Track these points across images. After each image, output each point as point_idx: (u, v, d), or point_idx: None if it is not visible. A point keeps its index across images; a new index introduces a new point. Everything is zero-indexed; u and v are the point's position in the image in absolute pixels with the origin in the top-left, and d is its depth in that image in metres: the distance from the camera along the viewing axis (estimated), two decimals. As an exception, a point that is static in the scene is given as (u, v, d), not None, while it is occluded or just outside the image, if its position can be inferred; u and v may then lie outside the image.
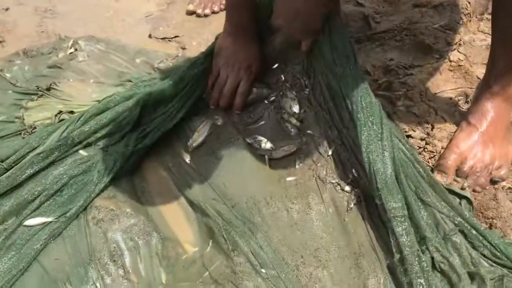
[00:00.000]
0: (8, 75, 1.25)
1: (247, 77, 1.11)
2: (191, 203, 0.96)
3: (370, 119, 0.89)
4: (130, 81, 1.19)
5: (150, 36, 1.40)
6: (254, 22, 1.13)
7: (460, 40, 1.25)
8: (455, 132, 1.00)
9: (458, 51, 1.22)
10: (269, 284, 0.81)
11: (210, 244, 0.89)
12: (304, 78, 1.08)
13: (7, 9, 1.52)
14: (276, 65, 1.14)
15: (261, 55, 1.13)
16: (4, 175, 0.95)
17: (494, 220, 0.90)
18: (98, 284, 0.83)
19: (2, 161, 0.96)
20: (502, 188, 0.93)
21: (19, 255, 0.86)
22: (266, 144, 1.05)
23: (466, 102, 1.11)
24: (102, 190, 0.96)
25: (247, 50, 1.12)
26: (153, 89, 1.06)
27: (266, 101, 1.12)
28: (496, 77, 0.93)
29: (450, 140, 0.98)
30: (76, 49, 1.31)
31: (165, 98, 1.06)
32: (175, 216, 0.95)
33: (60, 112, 1.11)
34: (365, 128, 0.88)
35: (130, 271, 0.86)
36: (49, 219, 0.90)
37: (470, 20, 1.33)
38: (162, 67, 1.26)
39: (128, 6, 1.53)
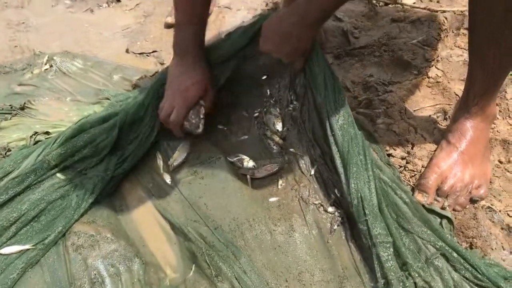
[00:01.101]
0: (-21, 92, 1.21)
1: (182, 103, 1.01)
2: (172, 226, 0.95)
3: (356, 149, 0.89)
4: (108, 99, 1.16)
5: (127, 51, 1.38)
6: (199, 45, 1.05)
7: (438, 56, 1.27)
8: (435, 150, 1.01)
9: (436, 67, 1.24)
10: (254, 310, 0.80)
11: (193, 268, 0.88)
12: (290, 93, 1.07)
13: (-22, 22, 1.48)
14: (264, 77, 1.12)
15: (206, 78, 1.04)
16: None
17: (475, 239, 0.91)
18: (77, 314, 0.81)
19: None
20: (482, 207, 0.94)
21: (-6, 287, 0.83)
22: (249, 163, 1.04)
23: (445, 119, 1.12)
24: (81, 215, 0.94)
25: (188, 74, 1.03)
26: (129, 109, 1.04)
27: (245, 113, 1.12)
28: (474, 97, 0.94)
29: (431, 159, 0.99)
30: (51, 66, 1.27)
31: (141, 117, 1.05)
32: (157, 240, 0.93)
33: (36, 133, 1.08)
34: (351, 157, 0.88)
35: (112, 300, 0.84)
36: (26, 247, 0.88)
37: (447, 36, 1.34)
38: (140, 84, 1.23)
39: (105, 19, 1.50)
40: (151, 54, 1.37)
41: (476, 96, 0.95)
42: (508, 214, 0.94)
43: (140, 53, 1.37)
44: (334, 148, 0.91)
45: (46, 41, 1.40)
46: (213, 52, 1.07)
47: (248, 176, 1.01)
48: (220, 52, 1.07)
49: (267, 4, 1.52)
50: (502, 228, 0.92)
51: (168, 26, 1.45)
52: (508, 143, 1.04)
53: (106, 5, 1.56)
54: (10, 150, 1.03)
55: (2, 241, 0.88)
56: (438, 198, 0.95)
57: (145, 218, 0.97)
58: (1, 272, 0.84)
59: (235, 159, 1.05)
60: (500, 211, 0.94)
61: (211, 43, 1.09)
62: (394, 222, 0.86)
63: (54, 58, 1.29)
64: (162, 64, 1.34)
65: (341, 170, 0.89)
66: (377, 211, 0.85)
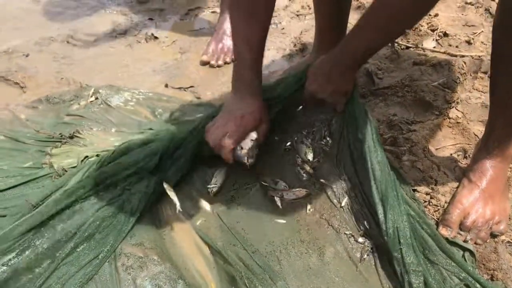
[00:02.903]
0: (31, 121, 1.31)
1: (235, 128, 1.05)
2: (212, 250, 1.02)
3: (391, 185, 0.97)
4: (151, 129, 1.25)
5: (166, 85, 1.47)
6: (257, 77, 1.10)
7: (458, 98, 1.35)
8: (457, 187, 1.08)
9: (456, 109, 1.32)
10: (290, 331, 0.86)
11: (232, 290, 0.95)
12: (325, 129, 1.15)
13: (27, 55, 1.59)
14: (300, 108, 1.18)
15: (262, 111, 1.10)
16: (33, 212, 1.00)
17: (495, 272, 0.97)
18: (128, 330, 0.88)
19: (34, 206, 1.01)
20: (502, 241, 1.01)
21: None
22: (279, 184, 1.12)
23: (465, 157, 1.20)
24: (130, 230, 1.02)
25: (245, 102, 1.08)
26: (174, 136, 1.13)
27: (277, 138, 1.19)
28: (494, 141, 1.02)
29: (453, 196, 1.06)
30: (96, 98, 1.37)
31: (185, 144, 1.13)
32: (198, 263, 1.00)
33: (86, 157, 1.16)
34: (388, 192, 0.97)
35: (158, 317, 0.91)
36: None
37: (466, 79, 1.43)
38: (179, 116, 1.32)
39: (144, 55, 1.61)
40: (188, 89, 1.46)
41: (496, 140, 1.03)
42: (527, 249, 1.00)
43: (178, 88, 1.47)
44: (372, 181, 0.99)
45: (90, 75, 1.50)
46: (266, 94, 1.15)
47: (276, 198, 1.10)
48: (273, 95, 1.15)
49: (295, 45, 1.62)
50: (522, 262, 0.98)
51: (203, 63, 1.55)
52: (526, 182, 1.11)
53: (145, 41, 1.67)
54: (67, 171, 1.12)
55: (61, 257, 0.95)
56: (461, 232, 1.02)
57: (187, 242, 1.04)
58: (61, 286, 0.91)
59: (269, 181, 1.13)
60: (520, 245, 1.01)
61: (263, 85, 1.15)
62: (421, 253, 0.93)
63: (100, 91, 1.39)
64: (198, 98, 1.43)
65: (378, 202, 0.97)
66: (410, 242, 0.92)
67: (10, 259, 0.93)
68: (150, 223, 1.06)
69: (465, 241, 1.01)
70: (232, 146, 1.05)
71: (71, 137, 1.24)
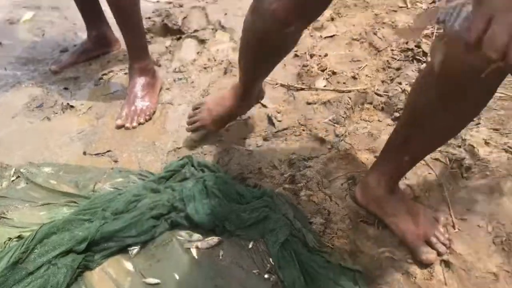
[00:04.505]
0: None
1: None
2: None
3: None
4: (75, 202, 1.35)
5: (84, 153, 1.57)
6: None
7: (346, 131, 1.54)
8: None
9: (345, 141, 1.51)
10: None
11: None
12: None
13: None
14: None
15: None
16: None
17: (382, 286, 1.14)
18: None
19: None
20: (386, 257, 1.18)
21: None
22: (193, 236, 1.26)
23: (354, 184, 1.38)
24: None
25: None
26: (103, 228, 1.24)
27: None
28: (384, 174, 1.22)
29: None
30: (18, 176, 1.45)
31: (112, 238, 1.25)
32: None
33: (10, 238, 1.24)
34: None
35: None
36: None
37: (353, 112, 1.63)
38: (100, 186, 1.42)
39: (62, 126, 1.70)
40: (106, 153, 1.57)
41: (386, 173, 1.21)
42: (406, 261, 1.18)
43: (95, 154, 1.57)
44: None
45: (10, 153, 1.57)
46: None
47: (191, 249, 1.23)
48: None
49: (203, 96, 1.77)
50: (402, 274, 1.16)
51: (118, 127, 1.66)
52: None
53: (61, 111, 1.76)
54: (-10, 258, 1.19)
55: None
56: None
57: (114, 304, 1.14)
58: None
59: (184, 234, 1.26)
60: (400, 259, 1.18)
61: None
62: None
63: (21, 170, 1.46)
64: (116, 161, 1.54)
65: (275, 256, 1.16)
66: (304, 285, 1.09)
67: None
68: (77, 289, 1.16)
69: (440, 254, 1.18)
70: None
71: (-3, 220, 1.31)
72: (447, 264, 1.16)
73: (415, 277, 1.14)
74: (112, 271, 1.21)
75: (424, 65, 1.77)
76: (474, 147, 1.41)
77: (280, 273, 1.14)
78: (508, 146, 1.39)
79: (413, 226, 1.19)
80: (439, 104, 0.96)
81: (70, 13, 2.27)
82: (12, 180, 1.45)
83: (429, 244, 1.17)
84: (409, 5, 2.20)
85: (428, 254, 1.15)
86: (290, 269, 1.14)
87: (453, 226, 1.24)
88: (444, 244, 1.17)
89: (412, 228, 1.19)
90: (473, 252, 1.18)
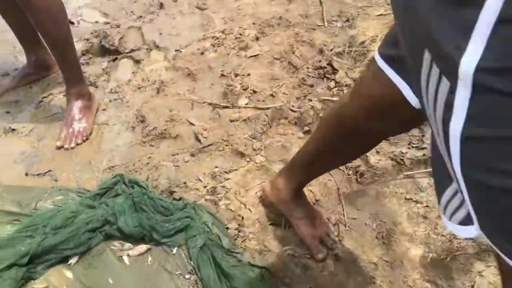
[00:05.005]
0: None
1: None
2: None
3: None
4: (18, 220, 1.51)
5: (26, 174, 1.72)
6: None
7: (262, 146, 1.76)
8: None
9: (261, 155, 1.73)
10: None
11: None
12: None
13: None
14: None
15: None
16: None
17: (285, 279, 1.36)
18: None
19: None
20: (288, 254, 1.41)
21: None
22: (125, 245, 1.45)
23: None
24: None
25: None
26: (44, 243, 1.40)
27: None
28: None
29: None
30: (-37, 199, 1.59)
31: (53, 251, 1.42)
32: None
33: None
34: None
35: None
36: None
37: (270, 127, 1.85)
38: (42, 204, 1.58)
39: (3, 148, 1.83)
40: (47, 173, 1.72)
41: None
42: (305, 257, 1.41)
43: (37, 174, 1.72)
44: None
45: (-46, 176, 1.70)
46: None
47: (123, 257, 1.42)
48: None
49: (137, 117, 1.95)
50: (301, 268, 1.39)
51: (58, 148, 1.82)
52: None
53: (4, 134, 1.89)
54: None
55: None
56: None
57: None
58: None
59: (117, 244, 1.45)
60: (300, 255, 1.41)
61: None
62: (227, 284, 1.32)
63: (-35, 194, 1.61)
64: (56, 180, 1.69)
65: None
66: (217, 281, 1.31)
67: None
68: (21, 299, 1.33)
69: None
70: None
71: None
72: (337, 257, 1.40)
73: (311, 271, 1.38)
74: (54, 279, 1.39)
75: (333, 83, 2.02)
76: (367, 156, 1.66)
77: (199, 273, 1.35)
78: (394, 155, 1.66)
79: (312, 228, 1.42)
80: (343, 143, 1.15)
81: (9, 36, 2.38)
82: (-42, 204, 1.59)
83: (323, 242, 1.41)
84: (326, 24, 2.45)
85: (320, 254, 1.39)
86: (207, 269, 1.35)
87: (345, 225, 1.48)
88: (334, 242, 1.41)
89: (310, 231, 1.42)
90: (359, 246, 1.43)
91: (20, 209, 1.58)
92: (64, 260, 1.43)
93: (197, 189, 1.62)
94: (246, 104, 1.96)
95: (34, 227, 1.47)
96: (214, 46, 2.33)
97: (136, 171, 1.70)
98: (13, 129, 1.91)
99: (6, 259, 1.36)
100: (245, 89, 2.02)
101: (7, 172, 1.73)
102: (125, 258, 1.42)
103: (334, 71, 2.09)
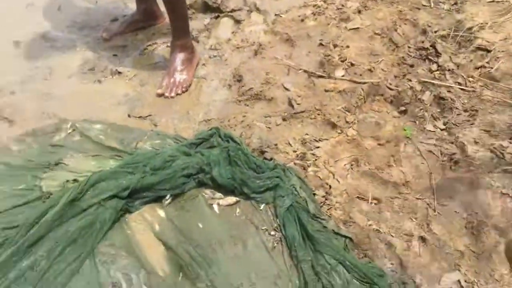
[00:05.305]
0: (21, 152, 1.65)
1: None
2: (166, 246, 1.40)
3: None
4: (119, 156, 1.62)
5: (129, 115, 1.83)
6: None
7: (355, 119, 1.76)
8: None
9: (353, 128, 1.73)
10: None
11: (181, 275, 1.33)
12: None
13: (13, 93, 1.92)
14: None
15: None
16: (33, 228, 1.36)
17: (367, 251, 1.38)
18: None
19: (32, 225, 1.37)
20: (373, 229, 1.42)
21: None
22: (216, 194, 1.52)
23: (357, 165, 1.61)
24: (104, 236, 1.39)
25: None
26: (143, 181, 1.50)
27: None
28: None
29: None
30: (74, 130, 1.72)
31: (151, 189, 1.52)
32: (155, 256, 1.38)
33: (67, 180, 1.53)
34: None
35: (127, 298, 1.29)
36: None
37: (364, 102, 1.84)
38: (141, 145, 1.69)
39: (110, 88, 1.96)
40: (147, 117, 1.83)
41: None
42: (390, 234, 1.42)
43: (138, 117, 1.83)
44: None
45: (67, 109, 1.83)
46: None
47: (214, 205, 1.49)
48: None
49: (234, 76, 2.00)
50: (385, 244, 1.40)
51: (159, 95, 1.92)
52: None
53: (111, 76, 2.02)
54: (52, 194, 1.48)
55: (55, 255, 1.32)
56: None
57: (147, 241, 1.42)
58: (54, 279, 1.28)
59: (208, 192, 1.53)
60: (385, 232, 1.42)
61: None
62: (310, 246, 1.35)
63: (76, 124, 1.74)
64: (155, 125, 1.79)
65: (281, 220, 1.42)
66: (301, 242, 1.36)
67: (22, 264, 1.30)
68: (119, 229, 1.44)
69: None
70: None
71: (56, 164, 1.59)
72: (423, 240, 1.40)
73: (395, 248, 1.38)
74: (147, 215, 1.49)
75: (435, 65, 1.96)
76: (464, 145, 1.62)
77: (284, 231, 1.40)
78: (494, 147, 1.60)
79: None
80: None
81: (120, -17, 2.50)
82: (69, 133, 1.73)
83: None
84: (432, 5, 2.36)
85: None
86: (293, 229, 1.39)
87: (434, 209, 1.47)
88: None
89: None
90: (447, 232, 1.42)
91: (122, 146, 1.69)
92: (158, 199, 1.53)
93: (287, 152, 1.66)
94: (343, 76, 1.95)
95: (135, 165, 1.57)
96: (314, 14, 2.32)
97: (231, 127, 1.75)
98: (119, 72, 2.03)
99: (109, 190, 1.47)
100: (342, 61, 2.00)
101: (112, 111, 1.85)
102: (215, 207, 1.50)
103: (437, 54, 2.02)
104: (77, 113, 1.82)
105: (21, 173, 1.59)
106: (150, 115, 1.84)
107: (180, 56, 1.98)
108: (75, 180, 1.54)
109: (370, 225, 1.44)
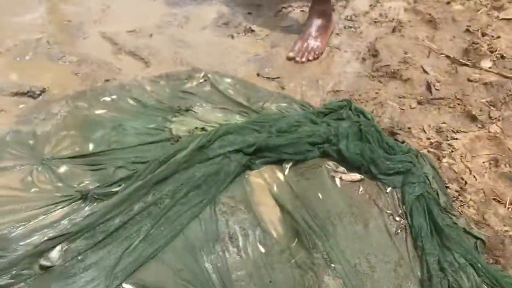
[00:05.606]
0: (154, 93, 1.70)
1: None
2: (283, 209, 1.38)
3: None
4: (245, 113, 1.61)
5: (258, 74, 1.82)
6: None
7: (500, 116, 1.60)
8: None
9: (497, 125, 1.58)
10: (335, 275, 1.22)
11: (296, 240, 1.31)
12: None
13: (151, 35, 1.98)
14: None
15: None
16: (162, 167, 1.40)
17: (500, 258, 1.26)
18: (220, 255, 1.26)
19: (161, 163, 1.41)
20: (509, 236, 1.30)
21: (171, 227, 1.30)
22: (339, 168, 1.46)
23: (496, 166, 1.47)
24: (225, 187, 1.40)
25: None
26: (268, 140, 1.48)
27: None
28: None
29: None
30: (205, 80, 1.74)
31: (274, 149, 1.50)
32: (272, 217, 1.36)
33: (196, 128, 1.55)
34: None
35: (242, 250, 1.29)
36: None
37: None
38: (267, 106, 1.67)
39: (241, 45, 1.96)
40: (275, 79, 1.80)
41: None
42: (528, 245, 1.29)
43: (267, 78, 1.81)
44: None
45: (199, 58, 1.86)
46: None
47: (336, 179, 1.44)
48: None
49: (369, 50, 1.90)
50: (521, 254, 1.27)
51: (289, 59, 1.88)
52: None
53: (243, 33, 2.01)
54: (181, 137, 1.51)
55: (179, 196, 1.35)
56: None
57: (265, 201, 1.40)
58: (176, 218, 1.31)
59: (332, 164, 1.47)
60: (522, 241, 1.29)
61: None
62: (438, 241, 1.26)
63: (208, 75, 1.76)
64: (283, 88, 1.76)
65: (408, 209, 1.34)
66: (429, 234, 1.27)
67: (147, 198, 1.34)
68: (240, 183, 1.44)
69: None
70: None
71: (186, 110, 1.62)
72: None
73: (532, 261, 1.25)
74: (267, 176, 1.47)
75: None
76: None
77: (410, 220, 1.32)
78: None
79: None
80: None
81: None
82: (200, 82, 1.75)
83: None
84: None
85: None
86: (421, 220, 1.31)
87: None
88: None
89: None
90: None
91: (249, 104, 1.69)
92: (279, 162, 1.50)
93: (420, 138, 1.55)
94: (490, 67, 1.79)
95: (261, 124, 1.56)
96: (462, -2, 2.14)
97: (361, 102, 1.68)
98: (252, 30, 2.02)
99: (236, 143, 1.47)
100: (491, 52, 1.83)
101: (242, 68, 1.85)
102: (337, 180, 1.44)
103: None
104: (208, 64, 1.84)
105: (153, 113, 1.64)
106: (278, 78, 1.81)
107: (317, 22, 1.92)
108: (203, 129, 1.57)
109: (506, 231, 1.31)
